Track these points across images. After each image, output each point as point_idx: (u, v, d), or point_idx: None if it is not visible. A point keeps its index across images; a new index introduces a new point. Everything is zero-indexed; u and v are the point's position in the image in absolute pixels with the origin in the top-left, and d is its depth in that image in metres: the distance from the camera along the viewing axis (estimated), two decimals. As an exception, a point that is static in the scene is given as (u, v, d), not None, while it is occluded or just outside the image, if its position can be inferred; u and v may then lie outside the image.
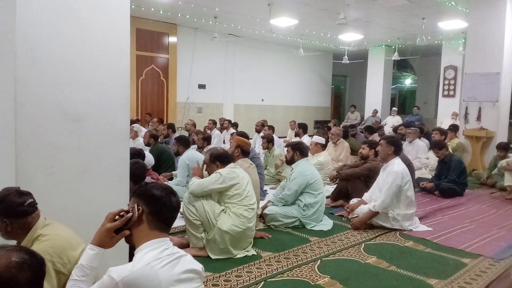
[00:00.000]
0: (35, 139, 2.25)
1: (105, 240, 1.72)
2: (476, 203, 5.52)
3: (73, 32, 2.34)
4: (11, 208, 1.87)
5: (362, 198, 4.57)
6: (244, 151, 4.19)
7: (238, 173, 3.53)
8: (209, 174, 3.55)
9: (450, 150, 6.69)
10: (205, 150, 6.15)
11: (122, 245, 1.92)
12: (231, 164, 3.60)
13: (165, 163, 5.82)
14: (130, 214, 1.71)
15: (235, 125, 9.86)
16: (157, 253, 1.64)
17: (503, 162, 5.98)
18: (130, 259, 2.33)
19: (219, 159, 3.54)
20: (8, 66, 2.23)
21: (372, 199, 4.36)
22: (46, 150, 2.29)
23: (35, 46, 2.21)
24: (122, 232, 1.72)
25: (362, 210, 4.34)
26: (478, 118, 8.22)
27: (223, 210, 3.38)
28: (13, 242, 1.95)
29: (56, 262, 1.82)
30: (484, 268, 3.32)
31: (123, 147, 2.65)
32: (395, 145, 4.34)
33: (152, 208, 1.72)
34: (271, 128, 8.37)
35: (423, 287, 2.96)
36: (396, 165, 4.23)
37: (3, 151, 2.31)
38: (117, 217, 1.73)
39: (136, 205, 1.73)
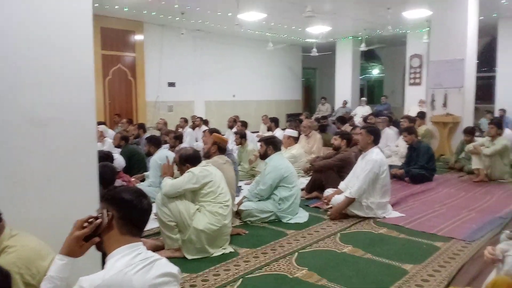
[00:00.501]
0: (-3, 146, 2.15)
1: (74, 249, 1.65)
2: (445, 187, 5.68)
3: (34, 33, 2.24)
4: (-27, 220, 1.78)
5: (338, 187, 4.62)
6: (221, 148, 4.16)
7: (211, 170, 3.49)
8: (181, 174, 3.50)
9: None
10: (177, 149, 6.07)
11: (95, 252, 1.87)
12: (203, 162, 3.55)
13: (136, 165, 5.71)
14: (99, 220, 1.65)
15: (205, 122, 9.78)
16: (130, 259, 1.59)
17: (470, 146, 6.17)
18: (103, 267, 2.28)
19: (189, 161, 3.47)
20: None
21: (349, 187, 4.41)
22: (9, 157, 2.19)
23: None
24: (92, 239, 1.66)
25: (337, 200, 4.38)
26: (444, 104, 8.46)
27: (197, 209, 3.34)
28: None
29: (24, 274, 1.74)
30: (457, 250, 3.42)
31: (91, 150, 2.56)
32: (375, 134, 4.44)
33: (122, 212, 1.66)
34: (244, 123, 8.34)
35: (399, 272, 3.02)
36: (375, 154, 4.32)
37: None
38: (85, 224, 1.67)
39: (105, 210, 1.67)
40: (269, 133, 7.84)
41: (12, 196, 2.18)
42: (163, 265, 1.69)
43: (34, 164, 2.28)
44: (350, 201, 4.25)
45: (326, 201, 4.60)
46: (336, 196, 4.46)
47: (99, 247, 1.70)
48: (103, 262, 2.36)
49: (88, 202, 2.47)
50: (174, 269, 1.73)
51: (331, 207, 4.46)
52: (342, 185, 4.60)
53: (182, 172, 3.49)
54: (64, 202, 2.37)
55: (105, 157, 3.93)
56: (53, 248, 1.93)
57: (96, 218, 1.67)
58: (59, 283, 1.61)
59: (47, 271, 1.67)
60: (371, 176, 4.20)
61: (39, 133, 2.29)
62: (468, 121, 8.38)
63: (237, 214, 4.24)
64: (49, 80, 2.31)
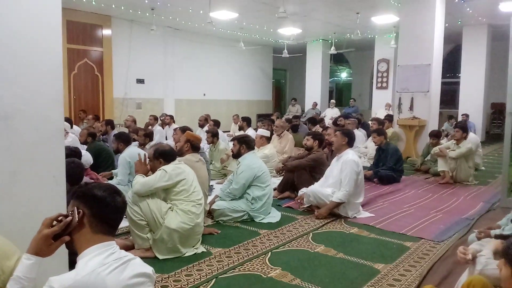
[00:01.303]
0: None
1: (42, 248, 1.56)
2: (412, 189, 5.82)
3: (-1, 22, 2.11)
4: None
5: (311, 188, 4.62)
6: (194, 146, 4.08)
7: (184, 168, 3.41)
8: (152, 171, 3.40)
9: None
10: (147, 146, 5.93)
11: (61, 252, 1.76)
12: (175, 161, 3.47)
13: (104, 162, 5.53)
14: (69, 218, 1.56)
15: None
16: (102, 259, 1.51)
17: (436, 149, 6.35)
18: (71, 266, 2.17)
19: (163, 156, 3.39)
20: None
21: (326, 187, 4.45)
22: (-31, 151, 2.05)
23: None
24: (61, 238, 1.57)
25: (313, 190, 4.42)
26: (411, 108, 8.69)
27: (170, 207, 3.24)
28: None
29: (-13, 275, 1.62)
30: (426, 250, 3.49)
31: (58, 145, 2.43)
32: (349, 136, 4.52)
33: (94, 210, 1.58)
34: (216, 122, 8.26)
35: (370, 272, 3.05)
36: (350, 155, 4.41)
37: None
38: (55, 222, 1.57)
39: (76, 208, 1.58)
40: (241, 133, 7.79)
41: (-28, 192, 2.04)
42: (138, 265, 1.63)
43: (-3, 158, 2.14)
44: (339, 204, 4.28)
45: (299, 201, 4.59)
46: (303, 189, 4.52)
47: (69, 246, 1.62)
48: (70, 261, 2.27)
49: (54, 200, 2.36)
50: (148, 269, 1.67)
51: (308, 206, 4.51)
52: (316, 185, 4.61)
53: (154, 168, 3.39)
54: (30, 199, 2.25)
55: (72, 153, 3.76)
56: (18, 247, 1.82)
57: (66, 216, 1.58)
58: (26, 284, 1.52)
59: (13, 271, 1.57)
60: (354, 177, 4.27)
61: (3, 126, 2.16)
62: (433, 124, 8.65)
63: (209, 213, 4.18)
64: (14, 71, 2.18)
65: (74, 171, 3.05)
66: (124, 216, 3.11)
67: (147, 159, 3.47)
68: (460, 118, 11.28)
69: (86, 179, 3.70)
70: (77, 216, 1.56)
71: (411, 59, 8.60)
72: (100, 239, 1.56)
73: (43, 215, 1.63)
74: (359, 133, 8.19)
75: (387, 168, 6.16)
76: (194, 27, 11.90)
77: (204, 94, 13.62)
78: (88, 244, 1.55)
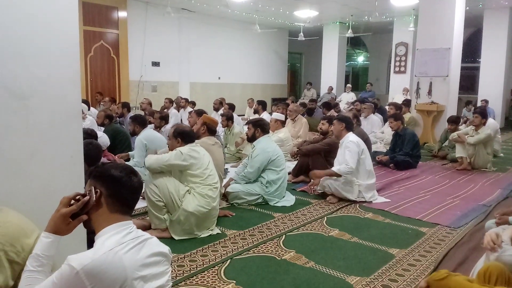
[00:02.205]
0: (-25, 119, 2.03)
1: (60, 226, 1.58)
2: (429, 174, 5.75)
3: (17, 5, 2.11)
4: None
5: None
6: (210, 129, 4.09)
7: (199, 151, 3.42)
8: (169, 149, 3.45)
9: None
10: (162, 129, 5.97)
11: (79, 231, 1.79)
12: (192, 144, 3.47)
13: (120, 144, 5.58)
14: (87, 197, 1.58)
15: (192, 104, 9.63)
16: (120, 238, 1.53)
17: (454, 135, 6.24)
18: (89, 245, 2.21)
19: (181, 136, 3.42)
20: None
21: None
22: (-11, 130, 2.08)
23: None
24: (79, 217, 1.59)
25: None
26: (429, 92, 8.52)
27: (187, 190, 3.28)
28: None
29: (8, 251, 1.66)
30: (442, 236, 3.46)
31: (76, 125, 2.45)
32: (346, 121, 4.51)
33: (111, 190, 1.59)
34: (231, 106, 8.24)
35: (385, 256, 3.04)
36: (351, 137, 4.40)
37: None
38: (72, 201, 1.59)
39: (93, 187, 1.59)
40: (256, 116, 7.76)
41: (-7, 171, 2.07)
42: (154, 244, 1.65)
43: (17, 138, 2.17)
44: (335, 174, 4.28)
45: (312, 187, 4.55)
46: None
47: (87, 225, 1.63)
48: (89, 240, 2.31)
49: (72, 179, 2.39)
50: (165, 248, 1.69)
51: (322, 192, 4.49)
52: (338, 171, 4.57)
53: (172, 146, 3.44)
54: (48, 178, 2.28)
55: (88, 135, 3.80)
56: (37, 225, 1.85)
57: (84, 195, 1.59)
58: (45, 262, 1.54)
59: (32, 249, 1.60)
60: (355, 156, 4.25)
61: (20, 106, 2.18)
62: (452, 110, 8.49)
63: (224, 196, 4.20)
64: (31, 52, 2.19)
65: (91, 152, 3.09)
66: (142, 197, 3.21)
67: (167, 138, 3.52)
68: (479, 104, 11.03)
69: (103, 160, 3.75)
70: (94, 195, 1.57)
71: (431, 43, 8.40)
72: (117, 218, 1.58)
73: (62, 194, 1.64)
74: (376, 118, 8.09)
75: (403, 154, 6.08)
76: (209, 10, 11.80)
77: (219, 78, 13.57)
78: (106, 223, 1.56)
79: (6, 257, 1.65)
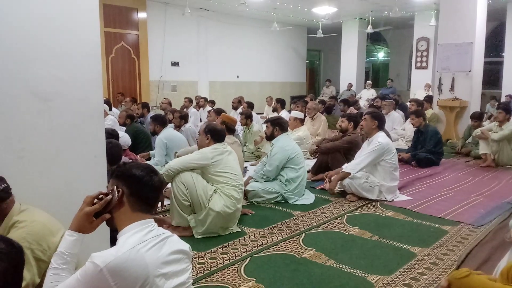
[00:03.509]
0: (3, 121, 2.10)
1: (84, 225, 1.61)
2: (452, 172, 5.64)
3: (39, 6, 2.17)
4: (-17, 194, 1.74)
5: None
6: (229, 128, 4.12)
7: (223, 152, 3.44)
8: (198, 144, 3.54)
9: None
10: (182, 128, 6.03)
11: (103, 229, 1.83)
12: (218, 144, 3.49)
13: (141, 143, 5.67)
14: (109, 196, 1.61)
15: (211, 103, 9.69)
16: (141, 236, 1.55)
17: (478, 131, 6.11)
18: (112, 242, 2.26)
19: (212, 133, 3.47)
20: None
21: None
22: (15, 132, 2.15)
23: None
24: (102, 216, 1.62)
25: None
26: (452, 88, 8.35)
27: (214, 190, 3.31)
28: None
29: (35, 249, 1.72)
30: (465, 234, 3.40)
31: (98, 126, 2.51)
32: (379, 119, 4.39)
33: (133, 189, 1.62)
34: (250, 104, 8.26)
35: (406, 255, 3.00)
36: (380, 138, 4.29)
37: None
38: (96, 200, 1.63)
39: (115, 186, 1.62)
40: (275, 115, 7.76)
41: (19, 171, 2.14)
42: (175, 242, 1.67)
43: (41, 139, 2.23)
44: (346, 174, 4.25)
45: (327, 178, 4.50)
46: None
47: (110, 223, 1.67)
48: (112, 238, 2.36)
49: (96, 178, 2.45)
50: (185, 246, 1.71)
51: (342, 191, 4.45)
52: (346, 169, 4.54)
53: (201, 142, 3.50)
54: (72, 178, 2.34)
55: (109, 135, 3.87)
56: (62, 224, 1.91)
57: (107, 194, 1.63)
58: (69, 259, 1.58)
59: (58, 247, 1.64)
60: (373, 156, 4.20)
61: (44, 107, 2.24)
62: (475, 106, 8.29)
63: (244, 194, 4.21)
64: (54, 55, 2.25)
65: (113, 152, 3.14)
66: (166, 197, 3.26)
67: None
68: (503, 99, 10.74)
69: (125, 159, 3.81)
70: (116, 194, 1.60)
71: (453, 38, 8.22)
72: (139, 217, 1.60)
73: (85, 193, 1.68)
74: (397, 115, 7.98)
75: (426, 151, 5.98)
76: (227, 9, 11.84)
77: (238, 76, 13.61)
78: (128, 221, 1.59)
79: (32, 255, 1.71)
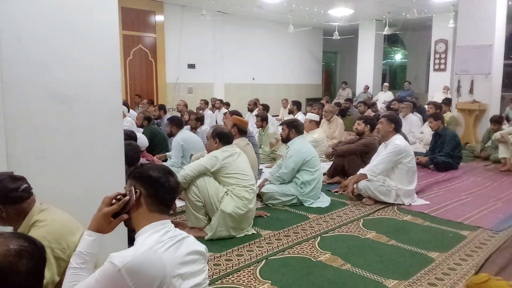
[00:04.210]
0: (24, 122, 2.15)
1: (102, 225, 1.64)
2: (471, 176, 5.54)
3: (59, 10, 2.22)
4: (5, 194, 1.79)
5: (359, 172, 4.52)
6: (241, 130, 4.13)
7: (234, 153, 3.46)
8: (207, 149, 3.55)
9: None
10: (198, 130, 6.07)
11: (120, 229, 1.85)
12: (228, 146, 3.51)
13: (158, 145, 5.73)
14: (127, 197, 1.63)
15: (227, 105, 9.73)
16: (159, 236, 1.57)
17: (497, 135, 5.99)
18: (130, 243, 2.28)
19: (219, 137, 3.49)
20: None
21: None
22: (36, 133, 2.20)
23: (19, 25, 2.09)
24: (120, 216, 1.64)
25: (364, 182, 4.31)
26: (471, 91, 8.22)
27: (226, 192, 3.33)
28: (10, 229, 1.87)
29: (55, 248, 1.75)
30: (484, 240, 3.34)
31: (117, 128, 2.55)
32: (396, 122, 4.35)
33: (150, 190, 1.64)
34: (265, 107, 8.27)
35: (424, 260, 2.96)
36: (398, 140, 4.25)
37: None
38: (114, 201, 1.65)
39: (133, 187, 1.64)
40: (290, 117, 7.75)
41: (40, 171, 2.19)
42: (192, 243, 1.68)
43: (61, 140, 2.28)
44: (362, 177, 4.21)
45: (342, 188, 4.45)
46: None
47: (128, 223, 1.69)
48: (129, 238, 2.39)
49: (114, 179, 2.48)
50: (202, 247, 1.72)
51: (358, 194, 4.40)
52: (362, 171, 4.51)
53: (209, 146, 3.53)
54: (91, 178, 2.38)
55: (127, 137, 3.92)
56: (81, 223, 1.94)
57: (124, 195, 1.65)
58: (88, 259, 1.61)
59: (77, 246, 1.67)
60: (390, 158, 4.16)
61: (65, 109, 2.28)
62: (494, 109, 8.13)
63: (259, 196, 4.22)
64: (74, 58, 2.30)
65: (131, 153, 3.18)
66: (179, 198, 3.29)
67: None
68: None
69: (142, 160, 3.86)
70: (134, 195, 1.62)
71: (471, 40, 8.08)
72: (156, 217, 1.62)
73: (104, 193, 1.71)
74: (415, 118, 7.88)
75: (444, 155, 5.89)
76: (243, 11, 11.88)
77: (253, 79, 13.63)
78: (145, 222, 1.61)
79: (52, 254, 1.74)
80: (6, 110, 2.09)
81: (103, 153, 2.45)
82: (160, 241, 1.55)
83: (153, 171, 1.67)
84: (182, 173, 3.29)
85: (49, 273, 1.73)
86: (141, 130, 5.92)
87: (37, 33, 2.15)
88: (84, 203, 2.25)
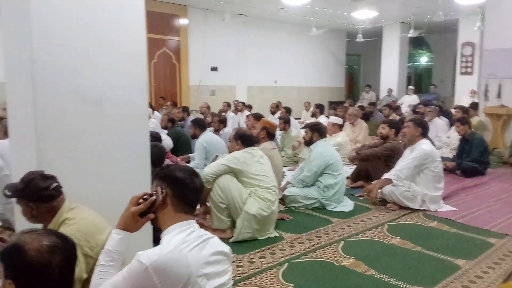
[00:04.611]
0: (54, 123, 2.21)
1: (130, 224, 1.67)
2: (499, 182, 5.39)
3: (89, 16, 2.27)
4: (36, 192, 1.84)
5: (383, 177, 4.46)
6: (270, 134, 4.15)
7: (255, 155, 3.47)
8: (229, 151, 3.59)
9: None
10: (221, 132, 6.11)
11: (146, 229, 1.89)
12: (249, 148, 3.53)
13: (182, 146, 5.80)
14: (154, 197, 1.66)
15: (249, 107, 9.76)
16: (184, 236, 1.59)
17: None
18: (155, 242, 2.32)
19: (242, 139, 3.53)
20: (24, 49, 2.18)
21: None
22: (66, 134, 2.26)
23: (50, 29, 2.15)
24: (147, 215, 1.68)
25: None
26: (499, 95, 8.01)
27: (249, 194, 3.35)
28: (40, 226, 1.92)
29: (84, 246, 1.79)
30: (513, 248, 3.24)
31: (143, 129, 2.60)
32: (423, 126, 4.27)
33: (175, 190, 1.66)
34: (288, 109, 8.26)
35: (450, 267, 2.90)
36: (424, 145, 4.18)
37: (24, 135, 2.27)
38: (141, 200, 1.68)
39: (159, 188, 1.67)
40: (313, 120, 7.71)
41: (69, 170, 2.24)
42: (216, 243, 1.70)
43: (90, 141, 2.33)
44: (387, 182, 4.15)
45: (366, 193, 4.41)
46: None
47: (154, 223, 1.72)
48: (154, 238, 2.43)
49: (141, 180, 2.52)
50: (226, 248, 1.74)
51: (383, 199, 4.33)
52: (387, 175, 4.44)
53: (232, 148, 3.57)
54: (118, 178, 2.42)
55: (153, 138, 3.97)
56: (108, 222, 1.98)
57: (151, 195, 1.67)
58: (116, 257, 1.64)
59: (105, 244, 1.70)
60: (416, 163, 4.09)
61: (95, 111, 2.34)
62: (524, 113, 7.89)
63: (281, 199, 4.21)
64: (103, 62, 2.35)
65: (157, 154, 3.23)
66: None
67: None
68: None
69: (167, 161, 3.91)
70: (160, 195, 1.65)
71: (499, 43, 7.87)
72: (181, 217, 1.65)
73: (131, 193, 1.74)
74: (441, 122, 7.71)
75: (471, 160, 5.74)
76: (266, 14, 11.90)
77: (275, 81, 13.63)
78: (171, 222, 1.64)
79: (81, 251, 1.78)
80: (38, 112, 2.15)
81: (130, 154, 2.49)
82: (186, 240, 1.58)
83: (179, 172, 1.70)
84: (203, 173, 3.33)
85: (78, 270, 1.77)
86: (165, 131, 6.00)
87: (68, 38, 2.21)
88: (111, 202, 2.28)
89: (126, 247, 1.69)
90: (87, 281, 1.81)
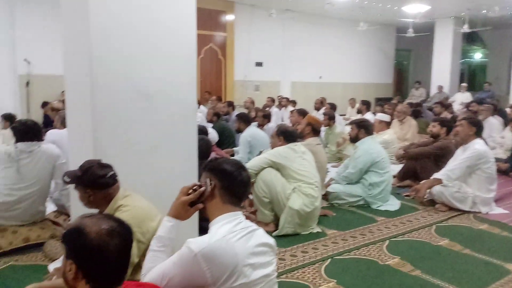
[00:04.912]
0: (110, 114, 2.33)
1: (180, 212, 1.74)
2: (557, 186, 5.08)
3: (143, 14, 2.37)
4: (94, 179, 1.96)
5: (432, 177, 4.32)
6: (315, 130, 4.14)
7: (297, 150, 3.48)
8: (271, 147, 3.64)
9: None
10: (265, 127, 6.14)
11: (192, 219, 1.95)
12: (292, 144, 3.54)
13: (226, 140, 5.90)
14: (203, 188, 1.72)
15: (293, 103, 9.73)
16: (231, 227, 1.64)
17: None
18: (200, 231, 2.40)
19: (284, 134, 3.57)
20: (82, 45, 2.30)
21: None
22: (121, 125, 2.37)
23: (107, 27, 2.27)
24: (196, 205, 1.74)
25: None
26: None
27: (293, 189, 3.36)
28: (95, 211, 2.04)
29: (136, 232, 1.89)
30: None
31: (192, 123, 2.69)
32: (477, 126, 4.11)
33: (224, 182, 1.71)
34: (333, 105, 8.16)
35: (500, 272, 2.78)
36: (478, 145, 4.02)
37: (81, 126, 2.41)
38: (190, 191, 1.74)
39: (208, 179, 1.72)
40: (359, 116, 7.58)
41: (124, 161, 2.35)
42: (261, 235, 1.74)
43: (142, 133, 2.44)
44: (437, 182, 4.02)
45: (413, 192, 4.29)
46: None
47: (202, 213, 1.78)
48: (200, 227, 2.51)
49: (188, 171, 2.61)
50: (271, 240, 1.78)
51: (431, 199, 4.20)
52: (437, 175, 4.30)
53: (274, 143, 3.60)
54: (168, 169, 2.52)
55: (200, 131, 4.08)
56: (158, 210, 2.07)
57: (200, 186, 1.73)
58: (167, 243, 1.72)
59: (155, 231, 1.79)
60: (468, 163, 3.94)
61: (147, 105, 2.44)
62: None
63: (324, 195, 4.19)
64: (157, 57, 2.45)
65: (204, 147, 3.32)
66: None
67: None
68: None
69: (212, 155, 4.00)
70: (209, 186, 1.71)
71: None
72: (228, 209, 1.70)
73: (179, 184, 1.82)
74: (495, 121, 7.34)
75: (526, 161, 5.45)
76: (313, 9, 11.79)
77: (320, 77, 13.47)
78: (218, 212, 1.69)
79: (134, 237, 1.87)
80: (95, 104, 2.28)
81: (179, 146, 2.58)
82: (232, 231, 1.62)
83: (227, 165, 1.75)
84: (246, 166, 3.38)
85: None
86: (211, 125, 6.12)
87: (124, 36, 2.32)
88: (160, 192, 2.39)
89: (176, 234, 1.76)
90: (138, 266, 1.91)
